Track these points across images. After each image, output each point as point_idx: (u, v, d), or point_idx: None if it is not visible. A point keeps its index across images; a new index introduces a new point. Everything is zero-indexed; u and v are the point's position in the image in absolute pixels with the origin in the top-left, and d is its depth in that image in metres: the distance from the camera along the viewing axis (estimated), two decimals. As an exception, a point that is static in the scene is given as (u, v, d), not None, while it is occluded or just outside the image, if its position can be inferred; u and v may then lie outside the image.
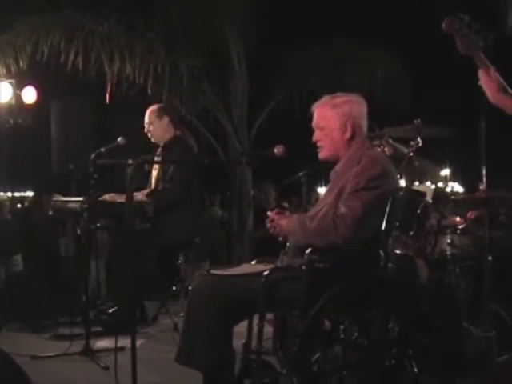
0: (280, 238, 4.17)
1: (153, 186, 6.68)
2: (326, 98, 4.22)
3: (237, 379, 4.04)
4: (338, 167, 4.18)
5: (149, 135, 6.76)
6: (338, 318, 3.93)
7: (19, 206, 12.24)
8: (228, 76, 11.26)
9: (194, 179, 6.60)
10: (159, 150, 6.71)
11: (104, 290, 7.85)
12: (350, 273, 3.71)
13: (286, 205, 11.40)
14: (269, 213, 4.18)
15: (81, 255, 6.83)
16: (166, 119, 6.75)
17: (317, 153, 4.27)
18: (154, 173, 6.74)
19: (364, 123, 4.20)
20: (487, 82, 3.77)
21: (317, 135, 4.21)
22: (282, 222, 4.09)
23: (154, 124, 6.75)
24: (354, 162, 4.03)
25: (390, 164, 4.12)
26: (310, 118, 4.28)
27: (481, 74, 3.77)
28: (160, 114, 6.76)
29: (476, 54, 3.65)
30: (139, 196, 6.41)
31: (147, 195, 6.42)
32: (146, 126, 6.75)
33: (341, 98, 4.19)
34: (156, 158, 6.69)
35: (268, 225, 4.16)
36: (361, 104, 4.21)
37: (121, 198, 6.41)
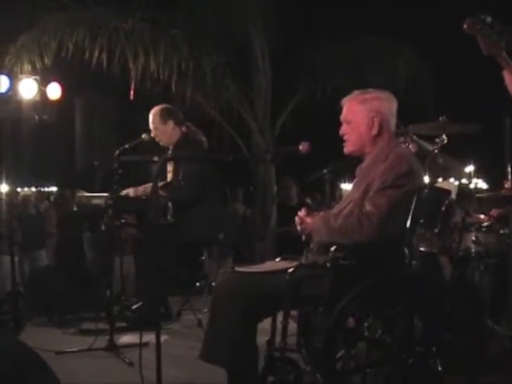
0: (303, 238, 4.17)
1: None
2: (356, 93, 4.23)
3: (261, 376, 4.04)
4: (364, 164, 4.18)
5: (156, 139, 6.73)
6: (362, 316, 3.92)
7: (47, 202, 12.30)
8: (251, 72, 11.24)
9: (210, 175, 6.57)
10: (170, 151, 6.68)
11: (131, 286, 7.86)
12: (374, 270, 3.71)
13: (309, 201, 11.40)
14: (299, 213, 4.19)
15: (105, 251, 6.85)
16: (170, 123, 6.71)
17: (340, 149, 4.27)
18: (169, 175, 6.72)
19: (392, 121, 4.19)
20: (511, 82, 3.75)
21: (344, 129, 4.21)
22: (306, 220, 4.10)
23: (159, 129, 6.70)
24: (380, 160, 4.03)
25: (417, 162, 4.11)
26: (337, 114, 4.29)
27: (505, 74, 3.75)
28: (164, 118, 6.71)
29: (499, 54, 3.63)
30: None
31: (161, 187, 6.39)
32: (151, 129, 6.71)
33: (371, 93, 4.19)
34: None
35: (298, 226, 4.17)
36: (391, 102, 4.20)
37: (138, 192, 6.44)
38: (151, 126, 6.71)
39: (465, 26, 3.50)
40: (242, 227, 11.67)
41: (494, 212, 5.84)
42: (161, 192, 6.30)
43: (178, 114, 6.87)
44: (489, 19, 3.49)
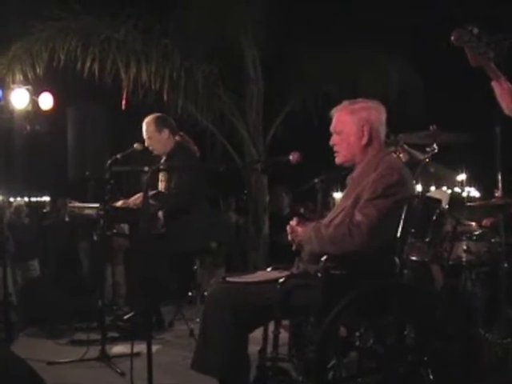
0: (293, 247, 4.18)
1: None
2: (345, 104, 4.24)
3: (252, 386, 4.05)
4: (355, 173, 4.19)
5: (149, 148, 6.72)
6: (353, 325, 3.93)
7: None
8: (243, 82, 11.26)
9: (201, 184, 6.57)
10: (163, 159, 6.67)
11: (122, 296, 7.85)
12: (365, 280, 3.72)
13: (301, 210, 11.40)
14: (291, 222, 4.20)
15: (97, 261, 6.84)
16: (165, 132, 6.70)
17: (332, 158, 4.28)
18: (161, 184, 6.71)
19: (382, 130, 4.20)
20: (501, 93, 3.75)
21: (334, 139, 4.23)
22: (297, 229, 4.11)
23: (153, 138, 6.68)
24: (371, 169, 4.04)
25: (407, 171, 4.13)
26: (328, 123, 4.30)
27: (494, 85, 3.75)
28: (159, 127, 6.70)
29: (487, 66, 3.63)
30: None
31: (152, 196, 6.38)
32: (145, 138, 6.68)
33: (360, 103, 4.20)
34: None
35: (289, 235, 4.18)
36: (380, 111, 4.21)
37: (128, 203, 6.45)
38: (145, 134, 6.69)
39: (452, 37, 3.50)
40: (235, 236, 11.67)
41: (486, 222, 5.85)
42: (151, 201, 6.30)
43: (172, 123, 6.87)
44: (476, 30, 3.49)
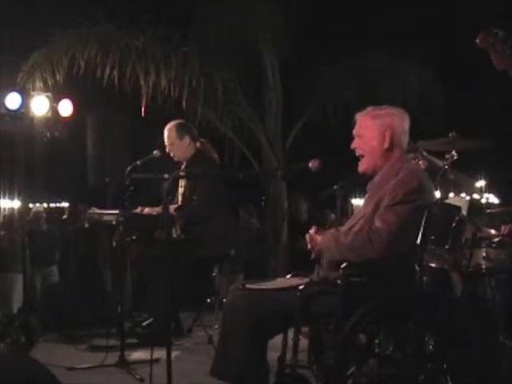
0: (312, 256, 4.18)
1: (180, 203, 6.69)
2: (369, 108, 4.25)
3: (271, 393, 4.05)
4: (375, 179, 4.19)
5: (170, 154, 6.75)
6: (373, 332, 3.92)
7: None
8: (262, 88, 11.28)
9: (222, 192, 6.58)
10: (183, 166, 6.70)
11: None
12: (385, 287, 3.71)
13: (331, 216, 11.36)
14: (310, 231, 4.20)
15: (116, 267, 6.86)
16: (186, 139, 6.73)
17: (351, 164, 4.29)
18: (181, 190, 6.75)
19: (404, 137, 4.20)
20: None
21: (355, 142, 4.24)
22: (316, 238, 4.11)
23: (175, 144, 6.72)
24: (392, 175, 4.04)
25: (428, 178, 4.12)
26: (347, 130, 4.31)
27: None
28: (180, 133, 6.73)
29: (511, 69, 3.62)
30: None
31: (175, 210, 6.42)
32: (166, 144, 6.72)
33: (384, 109, 4.21)
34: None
35: (308, 244, 4.18)
36: (403, 118, 4.21)
37: (151, 211, 6.48)
38: (166, 141, 6.72)
39: (477, 40, 3.49)
40: (255, 243, 11.65)
41: (505, 229, 5.82)
42: (174, 213, 6.32)
43: (193, 129, 6.91)
44: (501, 33, 3.48)
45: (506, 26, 3.56)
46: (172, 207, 6.43)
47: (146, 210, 6.56)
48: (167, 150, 6.68)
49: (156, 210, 6.49)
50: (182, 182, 6.73)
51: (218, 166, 6.96)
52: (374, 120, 4.17)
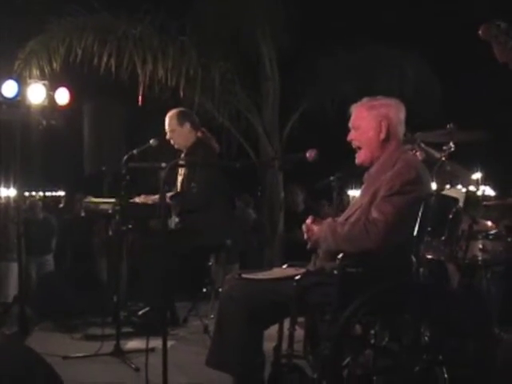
0: (308, 246, 4.18)
1: (178, 190, 6.70)
2: (365, 100, 4.25)
3: (267, 382, 4.05)
4: (372, 170, 4.18)
5: (171, 141, 6.75)
6: (369, 323, 3.92)
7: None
8: (260, 79, 11.26)
9: (220, 181, 6.58)
10: (183, 154, 6.71)
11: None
12: (381, 278, 3.71)
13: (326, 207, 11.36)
14: (306, 221, 4.19)
15: (112, 256, 6.85)
16: (187, 125, 6.73)
17: (348, 155, 4.28)
18: (180, 178, 6.75)
19: (400, 128, 4.20)
20: None
21: (352, 134, 4.23)
22: (313, 228, 4.10)
23: (175, 131, 6.72)
24: (388, 165, 4.03)
25: (425, 169, 4.12)
26: (344, 121, 4.30)
27: None
28: (181, 120, 6.74)
29: None
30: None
31: (170, 198, 6.43)
32: (167, 132, 6.73)
33: (379, 100, 4.20)
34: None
35: (305, 234, 4.17)
36: (399, 109, 4.21)
37: (147, 199, 6.48)
38: (167, 128, 6.73)
39: (480, 31, 3.49)
40: (251, 233, 11.65)
41: (506, 222, 5.83)
42: (170, 202, 6.33)
43: (195, 118, 6.92)
44: (504, 25, 3.48)
45: (504, 19, 3.55)
46: (167, 195, 6.43)
47: (142, 198, 6.55)
48: (168, 136, 6.69)
49: (151, 199, 6.50)
50: (181, 171, 6.73)
51: (217, 155, 6.96)
52: (370, 111, 4.17)
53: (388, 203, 3.85)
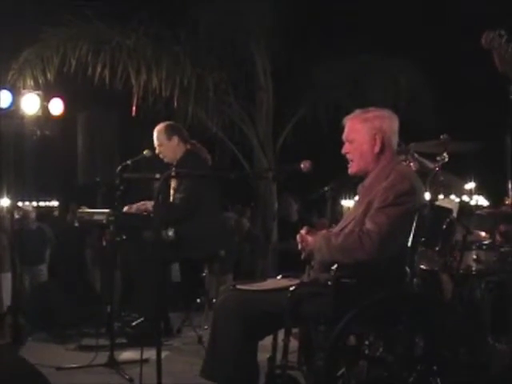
0: (302, 256, 4.18)
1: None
2: (357, 112, 4.23)
3: (261, 394, 4.05)
4: (366, 182, 4.18)
5: (160, 156, 6.74)
6: (363, 334, 3.92)
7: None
8: (254, 89, 11.29)
9: (212, 192, 6.58)
10: (173, 167, 6.69)
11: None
12: (376, 289, 3.71)
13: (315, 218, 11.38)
14: (301, 231, 4.19)
15: (106, 267, 6.85)
16: (175, 139, 6.70)
17: (342, 166, 4.28)
18: (172, 192, 6.74)
19: (394, 139, 4.20)
20: None
21: (346, 147, 4.22)
22: (307, 238, 4.10)
23: (163, 145, 6.68)
24: (382, 177, 4.03)
25: (418, 180, 4.12)
26: (338, 131, 4.30)
27: None
28: (168, 134, 6.70)
29: None
30: (149, 205, 6.43)
31: (153, 206, 6.40)
32: (156, 146, 6.70)
33: (372, 112, 4.19)
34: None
35: (299, 244, 4.17)
36: (392, 120, 4.21)
37: (132, 209, 6.48)
38: (156, 142, 6.71)
39: (482, 40, 3.50)
40: (245, 243, 11.65)
41: (502, 227, 5.84)
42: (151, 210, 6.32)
43: (183, 131, 6.89)
44: (506, 35, 3.48)
45: (496, 26, 3.56)
46: (148, 204, 6.43)
47: (135, 207, 6.55)
48: (157, 151, 6.67)
49: (134, 208, 6.49)
50: (173, 183, 6.71)
51: (209, 166, 6.94)
52: (364, 124, 4.16)
53: (382, 214, 3.85)
